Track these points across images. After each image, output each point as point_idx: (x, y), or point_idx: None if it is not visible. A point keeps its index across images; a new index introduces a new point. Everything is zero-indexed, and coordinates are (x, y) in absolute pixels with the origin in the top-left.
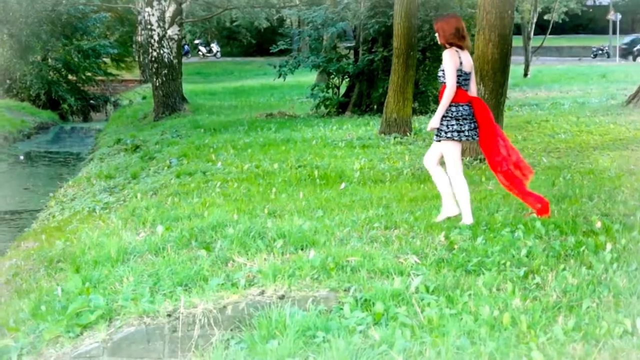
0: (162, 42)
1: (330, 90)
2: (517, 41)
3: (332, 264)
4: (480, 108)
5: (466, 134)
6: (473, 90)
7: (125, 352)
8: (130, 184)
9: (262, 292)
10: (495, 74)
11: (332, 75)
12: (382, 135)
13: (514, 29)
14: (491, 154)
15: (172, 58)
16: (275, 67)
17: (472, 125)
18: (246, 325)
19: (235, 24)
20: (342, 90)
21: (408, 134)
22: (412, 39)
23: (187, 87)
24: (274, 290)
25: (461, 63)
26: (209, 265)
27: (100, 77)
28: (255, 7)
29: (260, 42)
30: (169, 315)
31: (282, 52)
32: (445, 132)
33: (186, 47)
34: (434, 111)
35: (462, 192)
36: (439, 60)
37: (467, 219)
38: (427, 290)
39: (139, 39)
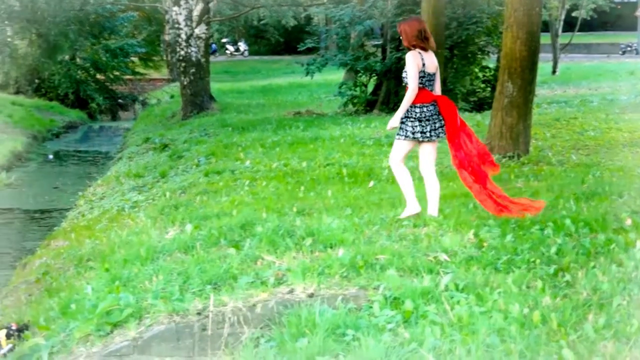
0: (190, 41)
1: (358, 89)
2: (544, 38)
3: (361, 262)
4: (446, 106)
5: (429, 134)
6: (437, 90)
7: (155, 350)
8: (159, 183)
9: (292, 291)
10: (524, 71)
11: (360, 73)
12: None
13: (541, 26)
14: (455, 150)
15: (199, 57)
16: (302, 65)
17: (437, 125)
18: (276, 323)
19: (262, 22)
20: (370, 88)
21: None
22: (439, 37)
23: (214, 86)
24: (303, 289)
25: (424, 64)
26: (238, 263)
27: (128, 76)
28: (282, 6)
29: (287, 41)
30: (199, 314)
31: (309, 51)
32: (413, 133)
33: (214, 45)
34: (461, 109)
35: (405, 180)
36: (466, 58)
37: (413, 208)
38: (457, 288)
39: (167, 38)
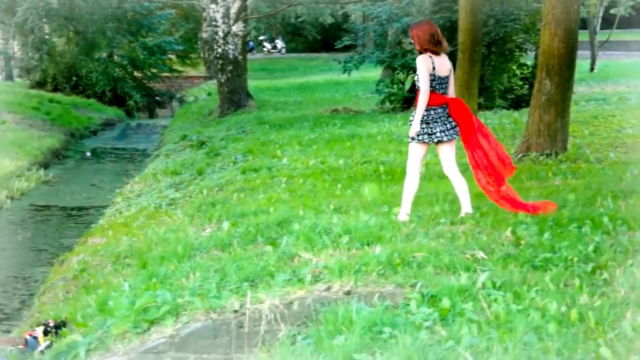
0: (227, 38)
1: (395, 86)
2: (583, 36)
3: (398, 260)
4: (458, 108)
5: (437, 135)
6: (451, 92)
7: (192, 347)
8: (196, 180)
9: (329, 288)
10: (562, 69)
11: (397, 71)
12: None
13: (579, 23)
14: (471, 150)
15: (237, 54)
16: (340, 62)
17: (448, 126)
18: (312, 320)
19: (299, 20)
20: (407, 85)
21: None
22: (477, 34)
23: (252, 84)
24: (340, 286)
25: (434, 68)
26: (275, 260)
27: (165, 74)
28: (320, 3)
29: (325, 38)
30: (236, 311)
31: (347, 48)
32: (417, 135)
33: (251, 43)
34: (499, 106)
35: (410, 187)
36: (504, 55)
37: (403, 215)
38: (494, 286)
39: (204, 35)
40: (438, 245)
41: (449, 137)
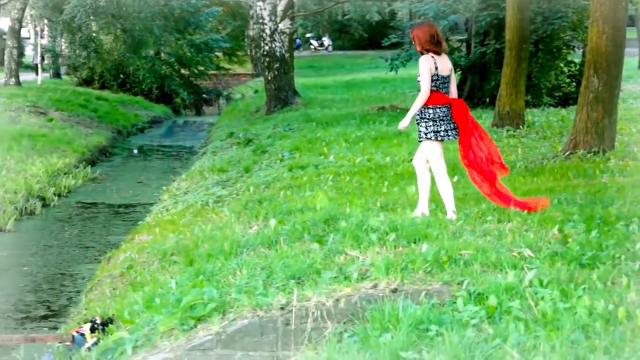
0: (274, 36)
1: None
2: (630, 33)
3: (445, 258)
4: (458, 108)
5: (442, 134)
6: (453, 92)
7: (239, 344)
8: (242, 178)
9: (375, 286)
10: (609, 66)
11: None
12: (495, 128)
13: (627, 20)
14: (464, 151)
15: (284, 52)
16: (386, 60)
17: (451, 126)
18: (359, 318)
19: (346, 17)
20: None
21: (521, 126)
22: (524, 32)
23: (298, 81)
24: (386, 284)
25: (437, 68)
26: (321, 258)
27: (212, 71)
28: (366, 1)
29: (371, 36)
30: (282, 308)
31: (393, 45)
32: (425, 134)
33: (298, 40)
34: (546, 104)
35: (445, 189)
36: (551, 53)
37: (450, 214)
38: (541, 284)
39: (251, 33)
40: (485, 243)
41: (451, 138)
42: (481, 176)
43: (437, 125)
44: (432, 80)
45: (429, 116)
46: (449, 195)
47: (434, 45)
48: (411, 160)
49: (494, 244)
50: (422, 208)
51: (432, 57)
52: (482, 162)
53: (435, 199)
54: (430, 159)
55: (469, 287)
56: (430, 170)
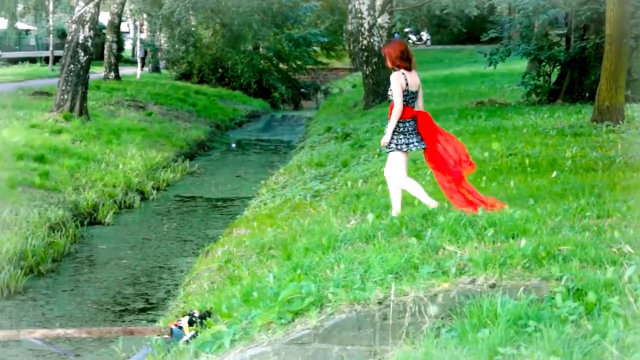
0: (373, 30)
1: (541, 78)
2: None
3: (543, 253)
4: (423, 120)
5: (415, 144)
6: (420, 105)
7: (336, 339)
8: (340, 172)
9: (473, 281)
10: None
11: (544, 63)
12: (594, 123)
13: None
14: (430, 156)
15: (382, 46)
16: (485, 55)
17: (418, 138)
18: (457, 313)
19: (445, 11)
20: (554, 77)
21: (621, 122)
22: (624, 26)
23: None
24: (484, 279)
25: (407, 84)
26: (419, 253)
27: (310, 66)
28: None
29: (470, 30)
30: (380, 303)
31: (492, 40)
32: (396, 145)
33: (396, 35)
34: None
35: (413, 188)
36: None
37: (431, 203)
38: None
39: (349, 27)
40: (584, 239)
41: (419, 147)
42: (447, 177)
43: (407, 138)
44: (403, 96)
45: (399, 130)
46: (419, 191)
47: (404, 62)
48: (510, 155)
49: (593, 239)
50: (430, 203)
51: (403, 73)
52: (449, 164)
53: (534, 194)
54: (394, 167)
55: (568, 282)
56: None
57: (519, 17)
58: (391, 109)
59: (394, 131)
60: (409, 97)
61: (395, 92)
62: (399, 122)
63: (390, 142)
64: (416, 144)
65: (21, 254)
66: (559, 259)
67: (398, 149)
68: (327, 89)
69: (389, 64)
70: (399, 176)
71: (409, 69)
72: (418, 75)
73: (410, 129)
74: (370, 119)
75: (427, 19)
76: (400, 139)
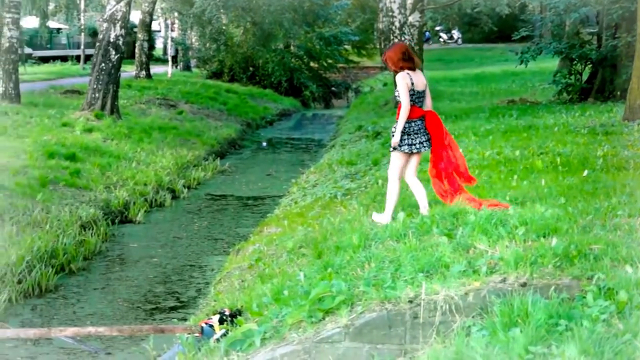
0: (403, 29)
1: (572, 77)
2: None
3: (574, 252)
4: (432, 120)
5: (417, 146)
6: (429, 104)
7: (367, 337)
8: (371, 171)
9: (504, 280)
10: None
11: (575, 62)
12: (626, 121)
13: None
14: (435, 161)
15: (413, 45)
16: (516, 53)
17: (425, 138)
18: (487, 312)
19: (476, 10)
20: (585, 76)
21: None
22: None
23: (428, 74)
24: (515, 278)
25: (413, 83)
26: (450, 251)
27: (341, 64)
28: None
29: (501, 29)
30: (411, 302)
31: (523, 39)
32: (401, 146)
33: (427, 33)
34: None
35: (392, 195)
36: None
37: (386, 218)
38: None
39: (380, 25)
40: (615, 238)
41: (426, 148)
42: (449, 186)
43: (412, 139)
44: (410, 95)
45: (404, 130)
46: (392, 201)
47: (407, 62)
48: (541, 154)
49: (624, 238)
50: (386, 218)
51: (408, 73)
52: (449, 173)
53: (565, 193)
54: (393, 166)
55: (599, 282)
56: (403, 180)
57: (550, 15)
58: (398, 110)
59: (400, 132)
60: (416, 96)
61: (402, 92)
62: (405, 122)
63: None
64: (418, 145)
65: (52, 252)
66: (590, 258)
67: (402, 150)
68: (357, 87)
69: (391, 68)
70: (392, 174)
71: (412, 69)
72: (424, 75)
73: (416, 129)
74: None
75: (458, 17)
76: (405, 139)
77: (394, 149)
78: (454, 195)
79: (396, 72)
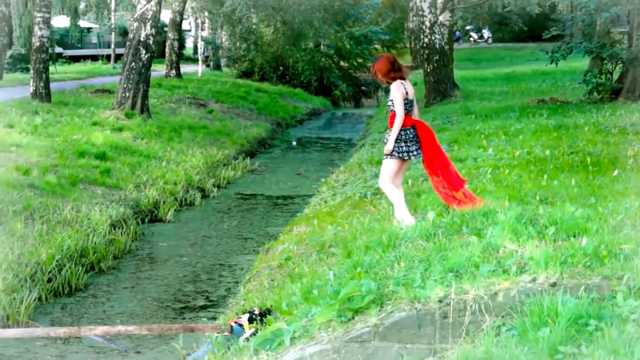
0: (434, 28)
1: (603, 76)
2: None
3: (604, 252)
4: (424, 130)
5: (414, 153)
6: (416, 113)
7: (396, 337)
8: None
9: (534, 279)
10: None
11: (605, 61)
12: None
13: None
14: (432, 168)
15: (443, 44)
16: (547, 52)
17: (417, 146)
18: (517, 312)
19: (506, 9)
20: (615, 76)
21: None
22: None
23: (458, 73)
24: (545, 278)
25: (407, 92)
26: (480, 251)
27: (371, 64)
28: None
29: (531, 28)
30: (440, 301)
31: (554, 38)
32: (398, 152)
33: (457, 33)
34: None
35: (396, 198)
36: None
37: (408, 219)
38: None
39: (410, 25)
40: None
41: (418, 155)
42: (445, 183)
43: (408, 146)
44: (403, 104)
45: (400, 137)
46: (399, 203)
47: (397, 72)
48: (571, 153)
49: None
50: (409, 220)
51: (402, 83)
52: (447, 171)
53: (595, 193)
54: (385, 172)
55: (629, 281)
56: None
57: (580, 14)
58: (391, 118)
59: (396, 139)
60: (408, 105)
61: (397, 101)
62: (400, 130)
63: (392, 150)
64: (415, 152)
65: (82, 251)
66: (621, 258)
67: (399, 157)
68: (387, 87)
69: (382, 80)
70: (384, 181)
71: (403, 79)
72: (454, 74)
73: (410, 136)
74: (432, 117)
75: (489, 16)
76: (402, 146)
77: (389, 155)
78: (453, 191)
79: (389, 84)
